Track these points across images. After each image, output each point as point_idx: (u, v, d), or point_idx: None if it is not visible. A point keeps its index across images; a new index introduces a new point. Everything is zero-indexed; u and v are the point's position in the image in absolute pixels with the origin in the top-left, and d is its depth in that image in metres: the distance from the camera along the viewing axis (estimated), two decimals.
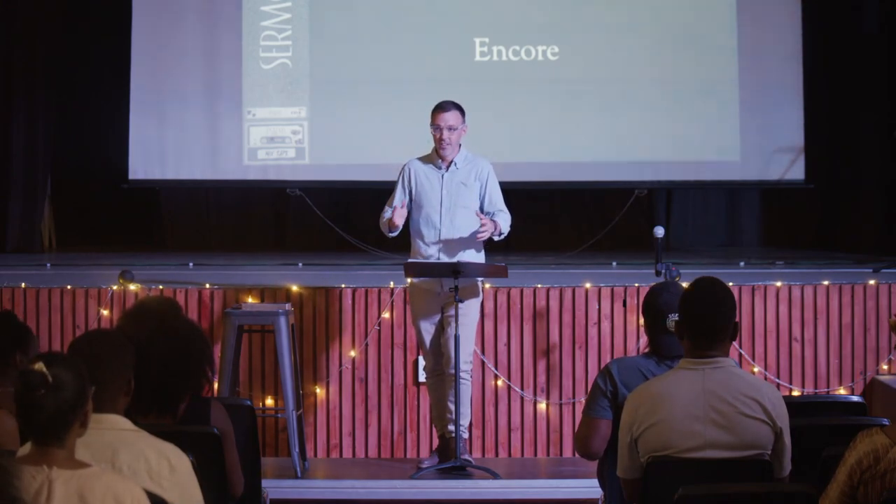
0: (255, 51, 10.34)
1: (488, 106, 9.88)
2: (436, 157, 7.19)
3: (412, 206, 7.21)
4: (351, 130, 10.24)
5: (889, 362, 7.82)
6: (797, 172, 10.20)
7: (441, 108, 7.16)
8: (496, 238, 7.18)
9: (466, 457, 7.16)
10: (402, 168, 7.27)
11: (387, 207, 7.23)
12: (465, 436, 7.22)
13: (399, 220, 7.10)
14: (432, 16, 10.33)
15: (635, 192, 10.21)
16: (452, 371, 7.06)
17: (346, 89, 10.28)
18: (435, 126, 7.13)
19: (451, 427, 7.13)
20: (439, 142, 7.13)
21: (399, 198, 7.19)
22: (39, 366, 3.14)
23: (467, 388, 7.15)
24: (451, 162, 7.17)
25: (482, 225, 7.00)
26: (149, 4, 10.39)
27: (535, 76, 10.26)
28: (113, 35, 10.67)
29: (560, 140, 10.24)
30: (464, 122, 7.18)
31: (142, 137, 10.34)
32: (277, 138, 10.33)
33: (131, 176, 10.37)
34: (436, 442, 7.40)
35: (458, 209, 7.13)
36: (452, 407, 7.09)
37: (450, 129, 7.11)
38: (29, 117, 10.87)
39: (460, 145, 7.22)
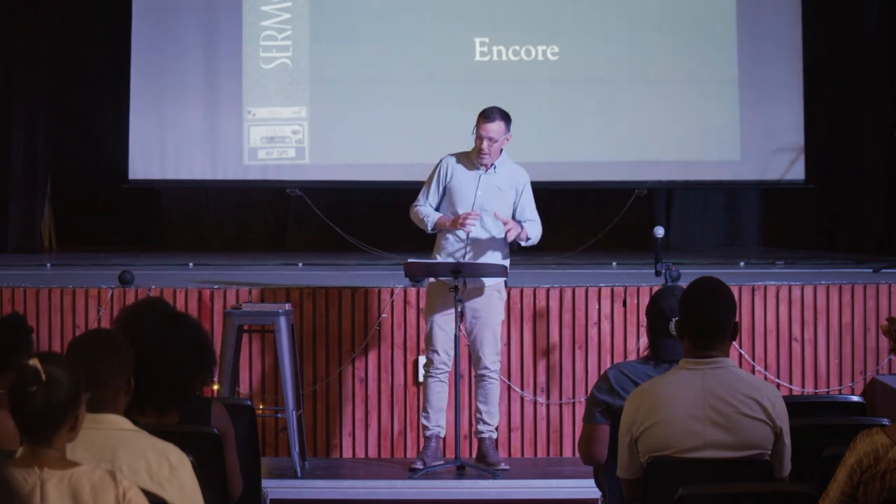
0: (255, 51, 10.34)
1: (488, 106, 9.87)
2: (475, 156, 7.13)
3: (443, 202, 7.18)
4: (351, 130, 10.24)
5: (889, 362, 7.82)
6: (797, 172, 10.19)
7: (486, 117, 7.05)
8: (522, 244, 7.19)
9: (495, 457, 7.16)
10: (439, 162, 7.21)
11: (420, 198, 7.18)
12: (495, 436, 7.24)
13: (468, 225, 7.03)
14: (432, 16, 10.33)
15: (635, 192, 10.21)
16: (482, 372, 7.11)
17: (346, 89, 10.28)
18: (477, 134, 7.05)
19: (481, 427, 7.18)
20: (478, 150, 7.07)
21: (433, 198, 7.15)
22: (34, 362, 3.15)
23: (496, 388, 7.17)
24: (492, 164, 7.15)
25: (506, 224, 6.99)
26: (149, 4, 10.39)
27: (535, 76, 10.25)
28: (113, 35, 10.67)
29: (560, 140, 10.24)
30: (507, 130, 7.10)
31: (142, 137, 10.34)
32: (277, 138, 10.33)
33: (131, 176, 10.38)
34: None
35: (489, 212, 7.11)
36: (482, 407, 7.15)
37: (490, 140, 7.05)
38: (29, 117, 10.88)
39: (501, 149, 7.19)
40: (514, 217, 7.15)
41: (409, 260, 7.16)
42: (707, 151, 10.28)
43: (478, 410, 7.18)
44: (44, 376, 3.13)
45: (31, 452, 3.17)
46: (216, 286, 7.90)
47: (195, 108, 10.35)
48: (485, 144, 7.03)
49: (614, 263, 9.57)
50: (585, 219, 11.04)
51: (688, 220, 11.42)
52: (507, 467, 7.19)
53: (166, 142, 10.36)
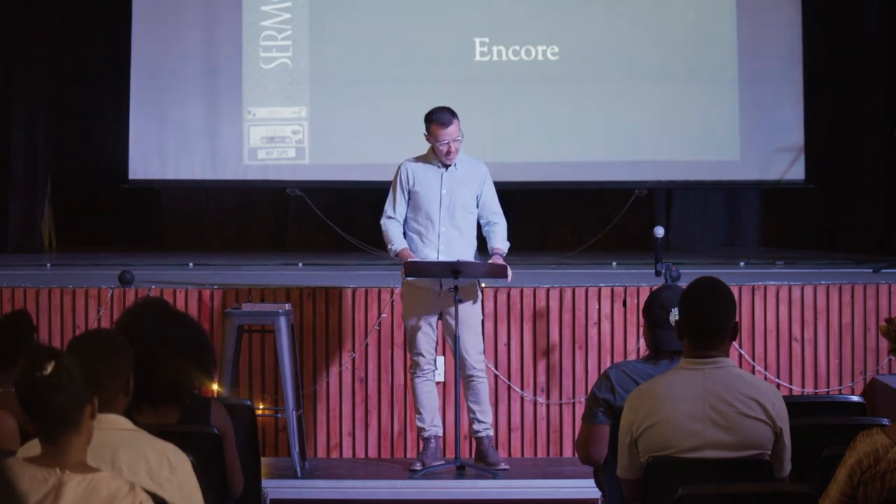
0: (255, 51, 10.34)
1: (488, 106, 9.91)
2: (433, 157, 7.16)
3: (409, 206, 7.20)
4: (351, 130, 10.24)
5: (889, 362, 7.82)
6: (797, 172, 10.20)
7: (442, 123, 7.06)
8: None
9: (495, 457, 7.17)
10: (398, 170, 7.23)
11: (387, 209, 7.19)
12: (491, 433, 7.25)
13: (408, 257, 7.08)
14: (432, 16, 10.33)
15: (635, 192, 10.21)
16: (469, 372, 7.10)
17: (346, 89, 10.29)
18: (440, 141, 7.06)
19: (476, 427, 7.18)
20: (447, 155, 7.09)
21: (400, 207, 7.16)
22: (42, 347, 3.16)
23: (485, 387, 7.18)
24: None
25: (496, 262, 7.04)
26: (149, 4, 10.40)
27: (535, 76, 10.26)
28: (113, 35, 10.68)
29: (560, 140, 10.25)
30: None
31: (142, 137, 10.34)
32: (277, 138, 10.33)
33: (131, 176, 10.38)
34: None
35: (457, 208, 7.13)
36: (475, 407, 7.15)
37: (455, 141, 7.09)
38: (29, 117, 10.88)
39: None
40: (478, 209, 7.17)
41: (409, 259, 7.16)
42: (707, 151, 10.28)
43: (471, 411, 7.18)
44: (57, 361, 3.13)
45: (52, 451, 3.17)
46: (216, 286, 7.90)
47: (195, 109, 10.35)
48: (453, 147, 7.07)
49: (614, 263, 9.57)
50: (585, 219, 11.04)
51: (688, 220, 11.42)
52: (507, 467, 7.19)
53: (166, 142, 10.36)
